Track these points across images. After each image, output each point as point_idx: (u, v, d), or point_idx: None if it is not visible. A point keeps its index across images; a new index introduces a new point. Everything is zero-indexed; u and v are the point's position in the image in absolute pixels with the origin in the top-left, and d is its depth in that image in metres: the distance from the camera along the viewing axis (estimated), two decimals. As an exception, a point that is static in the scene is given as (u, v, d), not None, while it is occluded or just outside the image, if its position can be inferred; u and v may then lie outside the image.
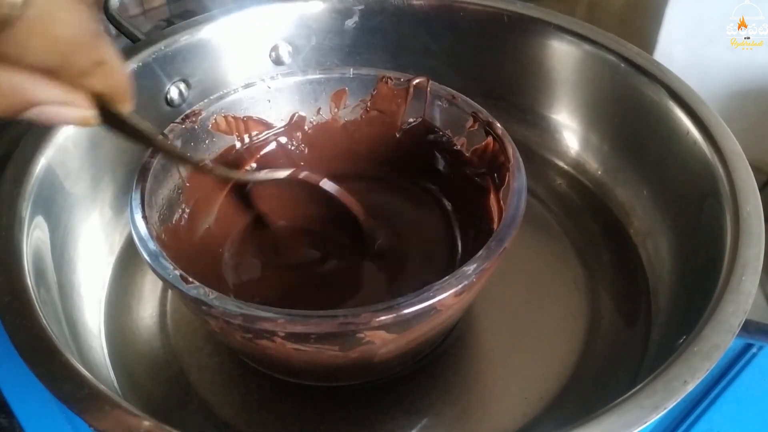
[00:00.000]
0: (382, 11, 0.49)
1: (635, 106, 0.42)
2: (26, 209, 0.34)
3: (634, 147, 0.44)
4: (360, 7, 0.48)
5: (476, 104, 0.37)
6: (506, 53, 0.48)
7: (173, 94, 0.45)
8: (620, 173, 0.45)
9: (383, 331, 0.28)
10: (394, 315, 0.27)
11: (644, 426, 0.25)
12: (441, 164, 0.41)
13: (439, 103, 0.38)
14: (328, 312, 0.27)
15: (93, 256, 0.40)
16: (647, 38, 0.54)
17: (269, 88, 0.39)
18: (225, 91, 0.38)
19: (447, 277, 0.28)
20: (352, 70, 0.39)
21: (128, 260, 0.42)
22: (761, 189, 0.34)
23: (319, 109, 0.41)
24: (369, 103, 0.40)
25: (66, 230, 0.38)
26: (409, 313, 0.27)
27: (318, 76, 0.40)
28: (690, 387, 0.26)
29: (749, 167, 0.35)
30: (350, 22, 0.49)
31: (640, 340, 0.37)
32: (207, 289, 0.27)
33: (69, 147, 0.39)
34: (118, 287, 0.41)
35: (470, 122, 0.37)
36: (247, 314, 0.27)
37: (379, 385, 0.36)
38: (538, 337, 0.38)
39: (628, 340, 0.38)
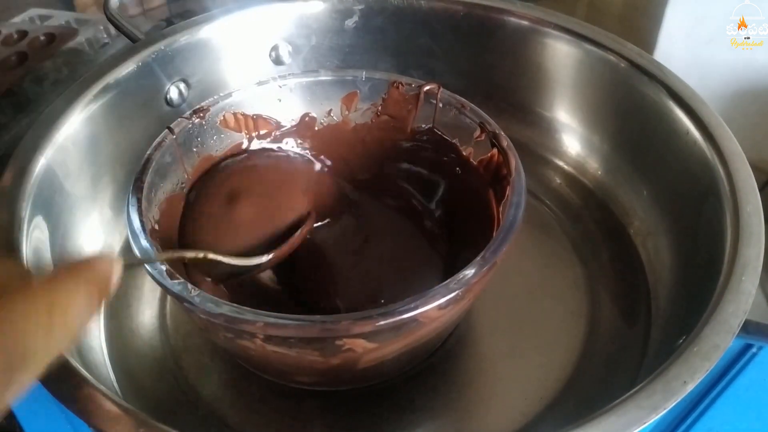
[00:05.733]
0: (383, 11, 0.49)
1: (635, 106, 0.42)
2: (26, 209, 0.34)
3: (634, 147, 0.44)
4: (360, 7, 0.48)
5: (485, 114, 0.36)
6: (506, 53, 0.48)
7: (173, 94, 0.45)
8: (620, 173, 0.45)
9: (363, 340, 0.27)
10: (374, 324, 0.26)
11: (644, 426, 0.25)
12: (447, 173, 0.40)
13: (449, 111, 0.38)
14: (308, 317, 0.26)
15: (93, 256, 0.40)
16: (647, 38, 0.54)
17: (280, 87, 0.39)
18: (236, 88, 0.38)
19: (431, 290, 0.27)
20: (364, 73, 0.39)
21: (128, 260, 0.42)
22: (761, 189, 0.34)
23: (330, 110, 0.40)
24: (380, 108, 0.40)
25: (65, 230, 0.38)
26: (388, 323, 0.26)
27: (330, 78, 0.39)
28: (690, 387, 0.26)
29: (749, 167, 0.35)
30: (350, 22, 0.49)
31: (640, 340, 0.37)
32: (190, 286, 0.27)
33: (69, 147, 0.39)
34: (118, 287, 0.41)
35: (477, 132, 0.36)
36: (227, 315, 0.26)
37: (379, 385, 0.36)
38: (538, 337, 0.38)
39: (627, 340, 0.38)
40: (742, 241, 0.31)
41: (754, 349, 0.40)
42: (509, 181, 0.33)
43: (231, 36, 0.47)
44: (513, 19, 0.47)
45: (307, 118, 0.40)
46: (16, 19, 0.68)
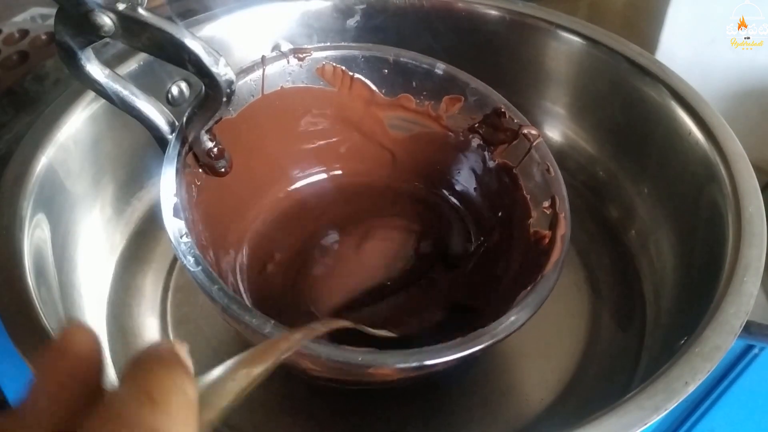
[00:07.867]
0: (384, 10, 0.49)
1: (637, 107, 0.42)
2: (27, 208, 0.34)
3: (635, 147, 0.44)
4: (362, 6, 0.48)
5: (563, 188, 0.34)
6: (508, 53, 0.48)
7: (174, 92, 0.45)
8: (621, 174, 0.45)
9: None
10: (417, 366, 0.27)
11: (645, 427, 0.25)
12: (500, 215, 0.39)
13: (535, 165, 0.35)
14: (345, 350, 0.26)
15: (94, 255, 0.40)
16: (649, 38, 0.53)
17: (391, 60, 0.37)
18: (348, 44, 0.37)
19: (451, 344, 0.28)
20: (477, 87, 0.38)
21: (129, 259, 0.42)
22: (763, 189, 0.34)
23: (432, 103, 0.39)
24: (477, 124, 0.39)
25: (67, 229, 0.38)
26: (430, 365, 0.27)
27: (441, 73, 0.38)
28: (691, 388, 0.26)
29: (751, 168, 0.35)
30: (352, 22, 0.49)
31: (640, 341, 0.37)
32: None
33: (70, 146, 0.39)
34: (119, 286, 0.41)
35: (548, 203, 0.34)
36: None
37: (379, 386, 0.36)
38: (538, 338, 0.38)
39: (628, 341, 0.38)
40: (743, 242, 0.31)
41: (755, 350, 0.40)
42: (541, 275, 0.31)
43: (232, 35, 0.47)
44: (515, 19, 0.47)
45: (402, 100, 0.39)
46: (18, 18, 0.68)
